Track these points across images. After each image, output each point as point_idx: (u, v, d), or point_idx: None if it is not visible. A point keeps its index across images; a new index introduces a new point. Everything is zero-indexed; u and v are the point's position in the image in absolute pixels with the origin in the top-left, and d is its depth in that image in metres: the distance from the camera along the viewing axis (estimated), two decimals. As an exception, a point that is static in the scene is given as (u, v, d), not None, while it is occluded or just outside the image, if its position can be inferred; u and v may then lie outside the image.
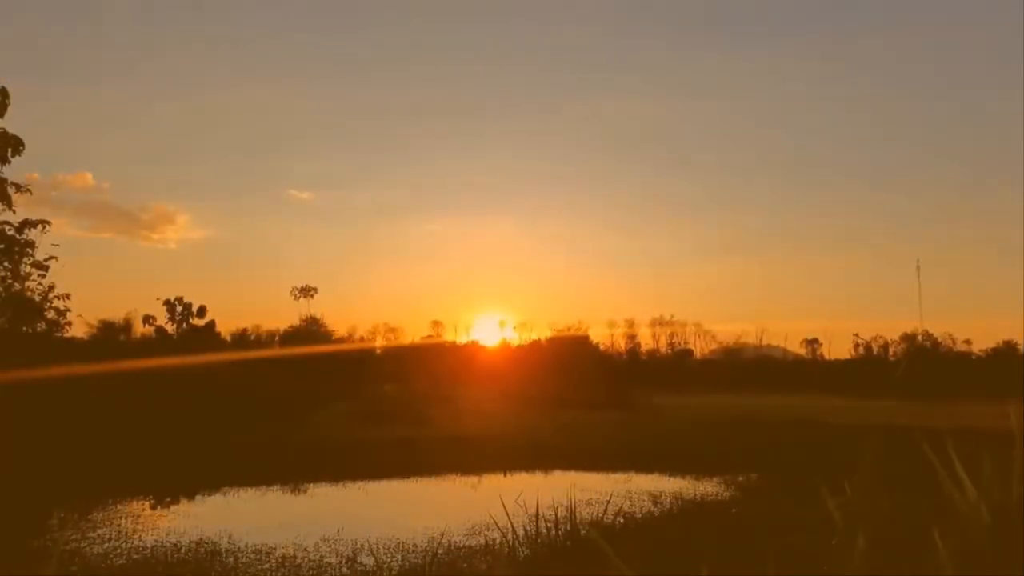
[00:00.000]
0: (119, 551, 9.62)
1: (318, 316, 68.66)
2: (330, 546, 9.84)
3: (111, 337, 44.09)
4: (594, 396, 40.08)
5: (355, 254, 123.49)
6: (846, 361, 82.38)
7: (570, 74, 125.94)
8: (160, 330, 50.63)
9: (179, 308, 51.85)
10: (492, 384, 49.75)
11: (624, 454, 19.32)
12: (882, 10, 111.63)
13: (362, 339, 74.53)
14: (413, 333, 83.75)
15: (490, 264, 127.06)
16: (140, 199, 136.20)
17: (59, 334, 24.41)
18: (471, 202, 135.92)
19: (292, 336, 62.47)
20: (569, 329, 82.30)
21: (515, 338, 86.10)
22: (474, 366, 64.65)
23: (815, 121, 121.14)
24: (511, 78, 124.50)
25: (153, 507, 13.28)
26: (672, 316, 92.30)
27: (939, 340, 79.66)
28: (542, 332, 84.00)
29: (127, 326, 47.67)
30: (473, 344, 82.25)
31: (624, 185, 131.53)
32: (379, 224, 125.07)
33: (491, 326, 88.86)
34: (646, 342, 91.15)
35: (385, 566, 8.97)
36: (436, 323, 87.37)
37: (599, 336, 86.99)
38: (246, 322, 73.98)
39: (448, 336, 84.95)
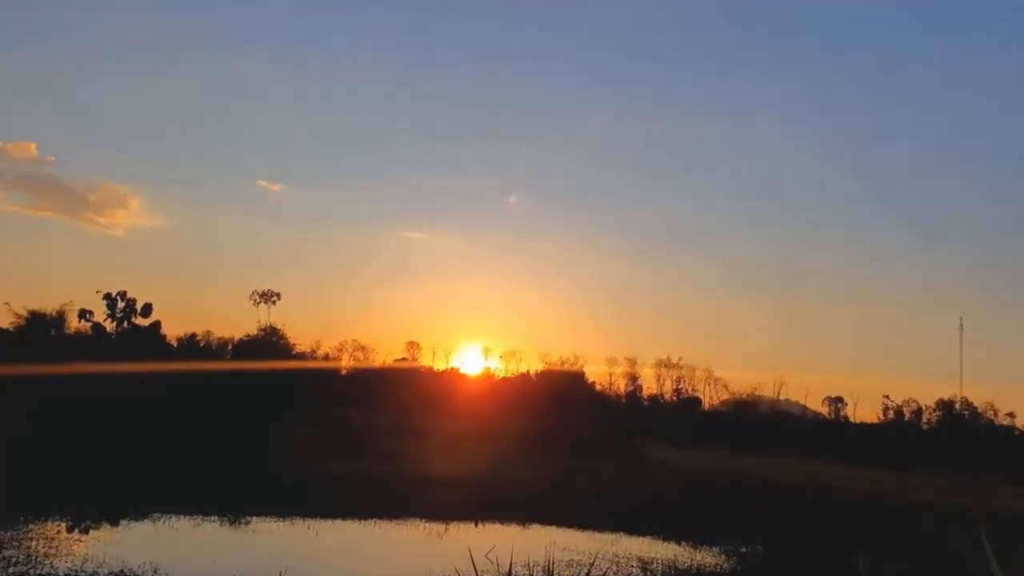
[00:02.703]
0: (27, 578, 9.48)
1: (279, 326, 68.40)
2: (270, 591, 9.73)
3: (41, 330, 43.82)
4: (586, 441, 39.97)
5: (325, 258, 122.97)
6: (873, 425, 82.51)
7: (579, 86, 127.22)
8: (97, 327, 50.38)
9: (121, 304, 51.66)
10: (471, 419, 49.53)
11: (614, 511, 19.24)
12: (933, 49, 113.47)
13: (327, 356, 74.31)
14: (385, 354, 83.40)
15: (476, 283, 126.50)
16: (88, 177, 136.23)
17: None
18: (458, 210, 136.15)
19: (248, 346, 62.22)
20: (562, 363, 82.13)
21: (500, 368, 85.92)
22: (452, 397, 64.40)
23: (850, 147, 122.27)
24: (517, 86, 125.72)
25: (70, 530, 13.11)
26: (680, 359, 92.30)
27: (979, 410, 79.87)
28: (531, 364, 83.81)
29: (60, 319, 47.41)
30: (452, 372, 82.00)
31: (633, 209, 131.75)
32: (355, 227, 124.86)
33: (474, 353, 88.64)
34: (649, 385, 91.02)
35: (331, 619, 8.86)
36: (412, 344, 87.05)
37: (596, 374, 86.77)
38: (197, 326, 73.61)
39: (425, 360, 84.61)
